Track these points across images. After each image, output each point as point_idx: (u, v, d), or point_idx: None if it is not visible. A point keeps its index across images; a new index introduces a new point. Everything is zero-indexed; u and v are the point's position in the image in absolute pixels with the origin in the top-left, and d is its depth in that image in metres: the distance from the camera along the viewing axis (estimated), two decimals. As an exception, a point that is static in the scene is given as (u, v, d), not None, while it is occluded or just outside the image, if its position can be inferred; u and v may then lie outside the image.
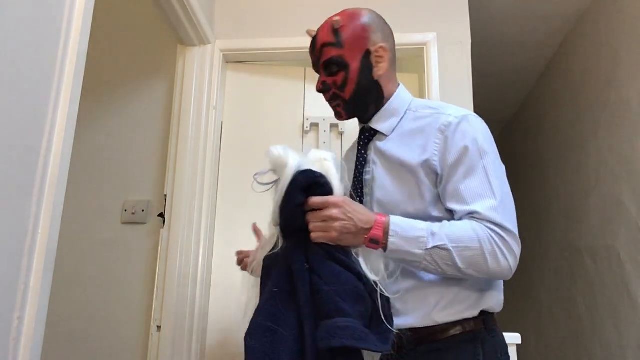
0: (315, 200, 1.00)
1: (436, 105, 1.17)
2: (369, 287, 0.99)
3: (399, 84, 1.25)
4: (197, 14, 1.95)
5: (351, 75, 1.17)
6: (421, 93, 2.18)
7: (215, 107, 2.09)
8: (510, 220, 1.01)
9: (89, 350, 1.90)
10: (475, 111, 2.07)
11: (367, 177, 1.18)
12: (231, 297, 1.95)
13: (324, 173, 1.03)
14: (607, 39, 2.41)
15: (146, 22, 2.26)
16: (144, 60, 2.23)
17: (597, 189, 2.48)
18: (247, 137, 2.17)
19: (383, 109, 1.20)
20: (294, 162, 1.01)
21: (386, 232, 1.01)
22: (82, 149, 2.08)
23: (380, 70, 1.19)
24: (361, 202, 1.16)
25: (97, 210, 2.05)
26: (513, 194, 1.08)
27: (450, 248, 0.98)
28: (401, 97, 1.22)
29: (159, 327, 1.85)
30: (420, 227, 1.01)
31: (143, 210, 2.02)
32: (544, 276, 3.22)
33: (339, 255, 1.00)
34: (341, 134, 2.17)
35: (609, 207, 2.36)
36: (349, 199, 1.04)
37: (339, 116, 1.23)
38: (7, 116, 0.92)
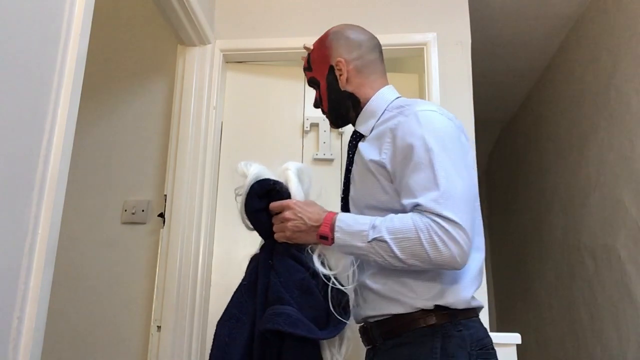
0: (273, 204, 1.16)
1: (406, 104, 1.20)
2: (322, 281, 1.10)
3: (383, 86, 1.29)
4: (197, 14, 1.95)
5: (322, 91, 1.32)
6: (421, 93, 2.18)
7: (215, 107, 2.09)
8: (453, 210, 1.01)
9: (89, 350, 1.90)
10: (476, 111, 2.07)
11: (351, 176, 1.28)
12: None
13: (284, 181, 1.18)
14: (607, 39, 2.41)
15: (146, 22, 2.27)
16: (144, 60, 2.23)
17: (597, 189, 2.48)
18: (247, 137, 2.17)
19: (362, 112, 1.28)
20: (253, 173, 1.17)
21: (332, 229, 1.10)
22: (82, 149, 2.08)
23: (343, 80, 1.28)
24: (347, 199, 1.27)
25: (97, 210, 2.05)
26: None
27: (388, 240, 1.03)
28: (380, 98, 1.26)
29: (159, 327, 1.85)
30: (363, 222, 1.08)
31: (143, 210, 2.02)
32: (544, 276, 3.22)
33: (294, 252, 1.13)
34: (341, 134, 2.18)
35: (609, 207, 2.36)
36: (302, 201, 1.16)
37: (332, 125, 1.37)
38: (7, 116, 0.92)
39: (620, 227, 2.25)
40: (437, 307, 1.08)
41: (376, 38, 1.34)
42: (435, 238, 1.00)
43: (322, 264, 1.13)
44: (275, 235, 1.16)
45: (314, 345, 1.08)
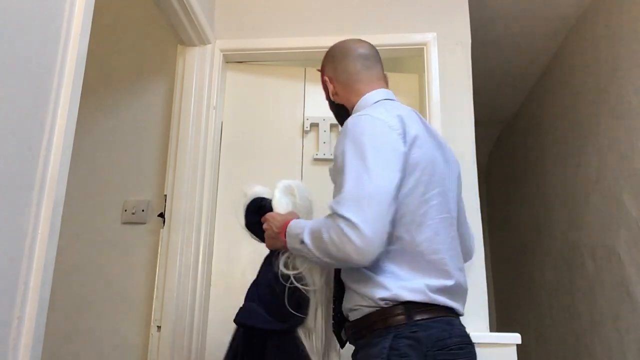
0: (263, 218, 1.37)
1: (359, 109, 1.32)
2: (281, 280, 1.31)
3: (371, 90, 1.37)
4: (197, 14, 1.95)
5: (327, 101, 1.50)
6: (421, 93, 2.18)
7: (215, 107, 2.09)
8: (351, 209, 1.07)
9: (89, 350, 1.90)
10: (476, 111, 2.07)
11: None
12: (231, 297, 1.95)
13: (271, 197, 1.40)
14: (607, 39, 2.41)
15: (146, 22, 2.27)
16: (144, 60, 2.23)
17: (597, 189, 2.48)
18: (247, 137, 2.18)
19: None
20: (250, 193, 1.47)
21: (285, 234, 1.24)
22: (82, 149, 2.08)
23: (333, 94, 1.43)
24: None
25: (97, 210, 2.05)
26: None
27: (308, 241, 1.16)
28: (361, 104, 1.36)
29: (159, 327, 1.85)
30: (301, 225, 1.21)
31: (143, 210, 2.02)
32: (544, 276, 3.22)
33: (270, 256, 1.38)
34: (341, 134, 2.17)
35: (609, 207, 2.36)
36: (277, 213, 1.35)
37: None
38: (8, 116, 0.92)
39: (620, 227, 2.25)
40: (394, 306, 1.12)
41: (364, 46, 1.43)
42: (334, 237, 1.08)
43: (286, 265, 1.29)
44: (265, 243, 1.37)
45: (288, 337, 1.30)
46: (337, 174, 1.17)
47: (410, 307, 1.11)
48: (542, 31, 2.83)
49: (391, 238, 1.13)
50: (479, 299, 1.85)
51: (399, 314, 1.11)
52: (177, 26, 1.97)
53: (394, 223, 1.13)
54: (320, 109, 2.15)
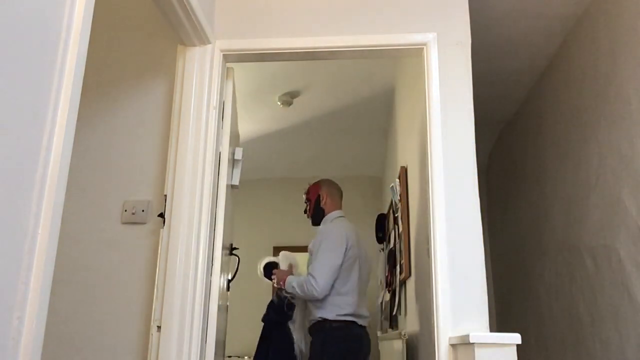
0: (275, 272, 2.89)
1: (327, 223, 2.83)
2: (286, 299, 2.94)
3: (336, 209, 2.86)
4: (197, 14, 1.95)
5: (311, 205, 2.95)
6: (421, 93, 2.18)
7: (215, 107, 2.09)
8: (316, 273, 2.53)
9: (89, 350, 1.90)
10: (476, 111, 2.07)
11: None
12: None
13: (277, 260, 3.11)
14: (607, 39, 2.41)
15: (146, 22, 2.27)
16: (144, 60, 2.23)
17: (597, 189, 2.48)
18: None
19: (324, 219, 2.84)
20: (265, 260, 3.25)
21: (285, 283, 2.72)
22: (82, 149, 2.09)
23: (322, 203, 2.87)
24: None
25: (97, 210, 2.05)
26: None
27: (295, 286, 2.61)
28: (330, 215, 2.84)
29: (159, 327, 1.85)
30: (292, 280, 2.68)
31: (143, 210, 2.02)
32: (544, 276, 3.22)
33: (280, 288, 2.86)
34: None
35: (609, 207, 2.36)
36: (281, 270, 2.94)
37: (312, 222, 2.99)
38: (8, 116, 0.92)
39: (620, 227, 2.25)
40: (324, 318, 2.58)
41: (338, 186, 2.93)
42: (306, 285, 2.53)
43: (286, 292, 2.75)
44: (275, 283, 2.85)
45: (284, 326, 2.98)
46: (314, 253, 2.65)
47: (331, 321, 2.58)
48: (542, 31, 2.83)
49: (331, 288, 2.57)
50: (479, 299, 1.85)
51: (324, 320, 2.59)
52: (177, 26, 1.97)
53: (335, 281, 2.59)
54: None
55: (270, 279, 2.92)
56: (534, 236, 3.41)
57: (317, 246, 2.59)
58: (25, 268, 0.94)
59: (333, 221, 2.76)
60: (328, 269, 2.51)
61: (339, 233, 2.62)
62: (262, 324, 3.07)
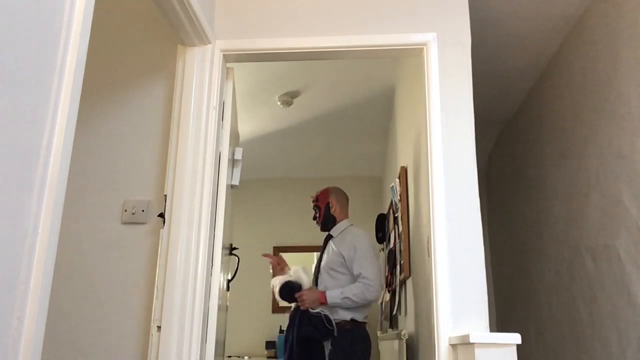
0: (298, 294, 2.71)
1: (348, 228, 2.92)
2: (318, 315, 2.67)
3: (345, 218, 2.94)
4: (197, 14, 1.95)
5: (321, 211, 2.98)
6: (421, 93, 2.18)
7: (215, 107, 2.09)
8: (372, 276, 2.64)
9: (89, 350, 1.90)
10: (476, 111, 2.07)
11: (324, 254, 2.89)
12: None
13: (291, 278, 2.80)
14: (607, 39, 2.41)
15: (146, 22, 2.27)
16: (144, 60, 2.23)
17: (597, 189, 2.48)
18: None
19: (335, 226, 2.92)
20: (280, 278, 2.81)
21: (325, 298, 2.64)
22: (82, 149, 2.08)
23: (332, 210, 2.92)
24: (320, 263, 2.88)
25: (97, 210, 2.05)
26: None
27: (351, 296, 2.62)
28: (342, 223, 2.91)
29: (159, 327, 1.85)
30: (333, 296, 2.63)
31: (143, 210, 2.02)
32: (544, 276, 3.22)
33: (295, 314, 2.75)
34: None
35: (609, 207, 2.36)
36: (308, 290, 2.74)
37: (321, 229, 3.02)
38: (7, 116, 0.92)
39: (620, 227, 2.25)
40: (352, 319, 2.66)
41: (345, 194, 2.97)
42: (366, 292, 2.61)
43: (318, 311, 2.63)
44: (303, 306, 2.69)
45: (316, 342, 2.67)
46: (356, 257, 2.74)
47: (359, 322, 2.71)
48: (542, 31, 2.83)
49: None
50: (479, 299, 1.85)
51: (352, 321, 2.69)
52: (177, 26, 1.97)
53: None
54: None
55: (287, 301, 2.77)
56: (534, 236, 3.41)
57: (353, 251, 2.69)
58: (25, 268, 0.94)
59: (347, 229, 2.86)
60: (377, 269, 2.68)
61: (369, 238, 2.81)
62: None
